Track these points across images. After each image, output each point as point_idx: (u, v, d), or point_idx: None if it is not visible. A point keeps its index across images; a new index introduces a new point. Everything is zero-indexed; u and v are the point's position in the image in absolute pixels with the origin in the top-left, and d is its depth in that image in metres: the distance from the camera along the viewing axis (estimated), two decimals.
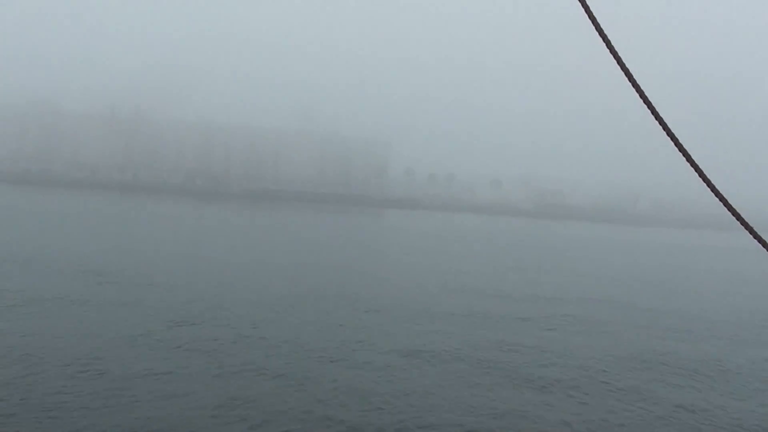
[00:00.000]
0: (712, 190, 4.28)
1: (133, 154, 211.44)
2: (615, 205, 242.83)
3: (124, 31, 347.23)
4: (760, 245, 4.25)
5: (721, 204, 4.39)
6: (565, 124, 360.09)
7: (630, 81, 4.26)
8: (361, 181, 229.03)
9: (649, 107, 4.23)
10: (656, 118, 4.24)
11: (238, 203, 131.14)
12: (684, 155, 4.30)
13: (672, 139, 4.31)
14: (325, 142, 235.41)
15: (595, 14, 4.20)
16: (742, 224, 4.24)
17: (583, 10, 4.25)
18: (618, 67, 4.36)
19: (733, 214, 4.26)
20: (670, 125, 4.34)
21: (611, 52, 4.25)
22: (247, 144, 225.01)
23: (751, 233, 4.27)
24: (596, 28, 4.24)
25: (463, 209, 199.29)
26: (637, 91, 4.25)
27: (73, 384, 12.71)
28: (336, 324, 19.99)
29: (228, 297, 23.11)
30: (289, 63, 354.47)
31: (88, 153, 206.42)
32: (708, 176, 4.33)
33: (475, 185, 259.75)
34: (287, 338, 17.49)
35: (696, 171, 4.29)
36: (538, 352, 18.44)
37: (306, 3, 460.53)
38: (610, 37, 4.27)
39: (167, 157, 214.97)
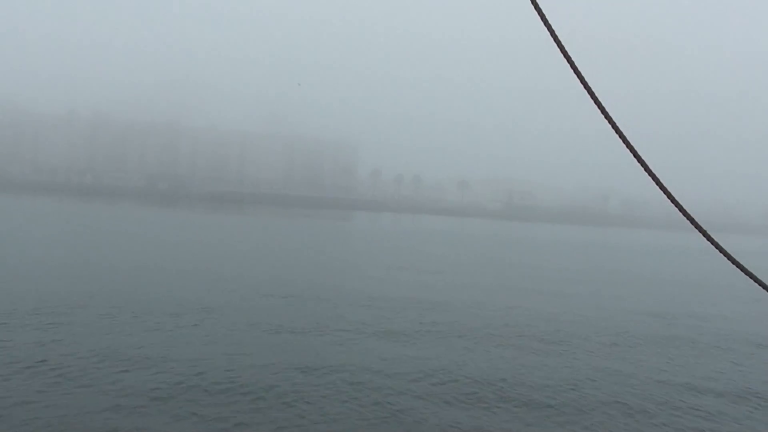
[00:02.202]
0: (666, 195, 4.44)
1: (94, 157, 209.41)
2: (585, 205, 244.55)
3: (85, 34, 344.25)
4: (712, 246, 4.42)
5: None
6: (534, 126, 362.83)
7: (589, 93, 4.40)
8: (327, 183, 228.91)
9: (608, 120, 4.37)
10: (614, 128, 4.38)
11: (203, 207, 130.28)
12: (641, 164, 4.45)
13: (629, 147, 4.45)
14: (291, 144, 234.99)
15: (558, 35, 4.35)
16: (695, 226, 4.40)
17: (548, 32, 4.40)
18: (578, 81, 4.51)
19: (687, 218, 4.42)
20: (627, 135, 4.49)
21: (572, 67, 4.40)
22: (213, 146, 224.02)
23: (703, 234, 4.43)
24: (560, 49, 4.38)
25: (430, 211, 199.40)
26: (596, 103, 4.39)
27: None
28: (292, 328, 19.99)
29: (183, 302, 22.88)
30: (255, 66, 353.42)
31: (47, 155, 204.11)
32: (663, 182, 4.48)
33: (443, 187, 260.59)
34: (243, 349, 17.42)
35: (652, 178, 4.44)
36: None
37: (270, 6, 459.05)
38: (571, 54, 4.42)
39: (129, 160, 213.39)
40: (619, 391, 15.06)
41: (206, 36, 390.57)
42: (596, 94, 4.41)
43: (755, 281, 4.27)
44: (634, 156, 4.38)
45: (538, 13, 4.38)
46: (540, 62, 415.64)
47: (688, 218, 4.34)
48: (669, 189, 4.39)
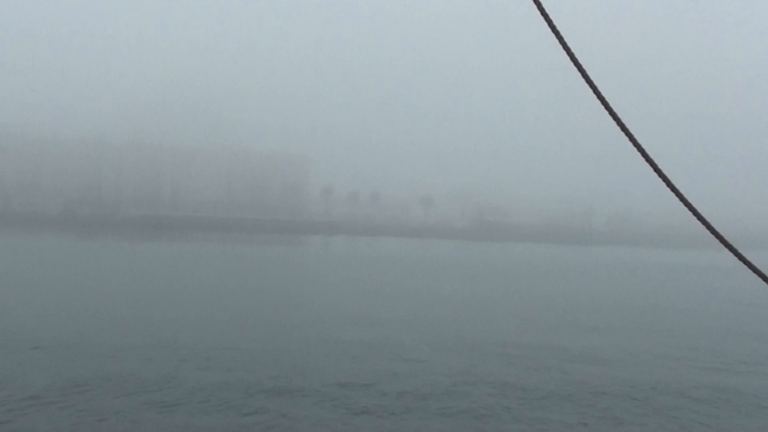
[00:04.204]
0: (691, 210, 4.46)
1: (4, 180, 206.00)
2: (567, 222, 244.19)
3: None
4: (741, 262, 4.45)
5: (692, 219, 4.59)
6: (507, 130, 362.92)
7: (598, 97, 4.41)
8: (274, 203, 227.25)
9: (621, 128, 4.38)
10: (628, 137, 4.40)
11: (131, 233, 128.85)
12: (655, 170, 4.46)
13: (642, 153, 4.47)
14: (232, 158, 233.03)
15: (556, 25, 4.37)
16: (721, 242, 4.43)
17: (543, 19, 4.42)
18: (579, 74, 4.52)
19: (712, 232, 4.44)
20: (638, 138, 4.50)
21: (573, 61, 4.41)
22: (141, 164, 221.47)
23: (731, 250, 4.47)
24: (557, 38, 4.40)
25: (389, 232, 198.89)
26: (607, 109, 4.41)
27: None
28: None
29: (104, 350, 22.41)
30: (190, 68, 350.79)
31: None
32: (681, 191, 4.50)
33: (404, 204, 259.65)
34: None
35: (673, 191, 4.45)
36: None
37: (215, 6, 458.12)
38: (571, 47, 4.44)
39: (45, 183, 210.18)
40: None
41: (130, 42, 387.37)
42: (606, 99, 4.42)
43: None
44: (653, 168, 4.39)
45: (538, 7, 4.41)
46: (519, 58, 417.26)
47: (715, 235, 4.37)
48: (693, 204, 4.41)
